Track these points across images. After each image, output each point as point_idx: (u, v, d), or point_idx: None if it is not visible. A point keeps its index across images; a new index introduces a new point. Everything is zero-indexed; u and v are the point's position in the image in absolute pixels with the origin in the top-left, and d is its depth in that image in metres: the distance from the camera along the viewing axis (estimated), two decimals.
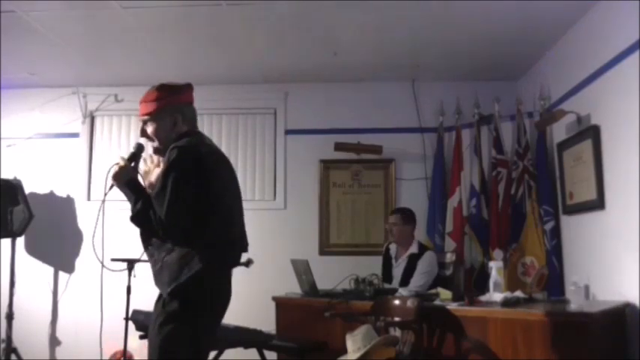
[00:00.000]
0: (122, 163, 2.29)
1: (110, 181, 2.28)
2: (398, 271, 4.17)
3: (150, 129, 2.37)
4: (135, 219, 2.23)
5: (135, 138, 4.96)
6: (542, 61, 4.51)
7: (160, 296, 2.23)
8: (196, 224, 2.18)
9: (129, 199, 2.26)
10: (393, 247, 4.29)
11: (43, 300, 5.06)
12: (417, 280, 3.97)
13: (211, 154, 2.33)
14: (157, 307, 2.22)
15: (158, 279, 2.24)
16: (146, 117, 2.36)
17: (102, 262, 2.38)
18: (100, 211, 2.29)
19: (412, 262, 4.09)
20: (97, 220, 2.29)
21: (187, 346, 2.16)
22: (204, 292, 2.19)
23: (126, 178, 2.27)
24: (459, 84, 5.03)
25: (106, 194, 2.31)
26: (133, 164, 2.35)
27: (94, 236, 2.28)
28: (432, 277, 4.02)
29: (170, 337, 2.14)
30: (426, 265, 4.03)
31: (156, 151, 2.40)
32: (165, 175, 2.19)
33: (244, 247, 2.43)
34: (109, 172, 2.28)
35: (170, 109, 2.36)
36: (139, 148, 2.40)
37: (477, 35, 4.12)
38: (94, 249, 2.29)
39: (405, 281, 4.04)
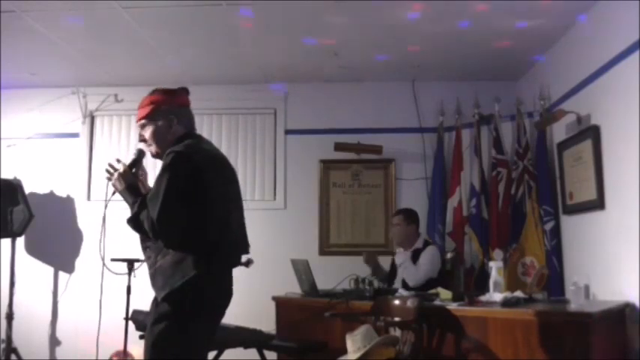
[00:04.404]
0: (122, 169, 2.33)
1: (112, 188, 2.33)
2: (402, 270, 4.07)
3: (147, 133, 2.38)
4: (131, 222, 2.24)
5: (135, 138, 4.96)
6: (542, 61, 4.51)
7: (155, 297, 2.25)
8: (190, 229, 2.18)
9: (127, 203, 2.29)
10: (398, 257, 4.17)
11: (43, 300, 5.05)
12: (416, 273, 3.92)
13: (208, 158, 2.31)
14: (152, 307, 2.25)
15: (153, 282, 2.26)
16: (142, 121, 2.39)
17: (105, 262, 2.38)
18: (104, 214, 2.32)
19: (415, 256, 4.04)
20: (103, 223, 2.30)
21: (177, 346, 2.16)
22: (197, 297, 2.17)
23: (125, 184, 2.31)
24: (459, 84, 5.02)
25: (107, 201, 2.35)
26: (133, 170, 2.38)
27: (101, 236, 2.27)
28: (433, 271, 3.95)
29: (160, 336, 2.16)
30: (427, 257, 3.98)
31: (155, 155, 2.41)
32: (159, 178, 2.20)
33: (245, 249, 2.43)
34: (110, 179, 2.33)
35: (164, 111, 2.37)
36: (140, 154, 2.41)
37: (476, 35, 4.11)
38: (101, 250, 2.27)
39: None
